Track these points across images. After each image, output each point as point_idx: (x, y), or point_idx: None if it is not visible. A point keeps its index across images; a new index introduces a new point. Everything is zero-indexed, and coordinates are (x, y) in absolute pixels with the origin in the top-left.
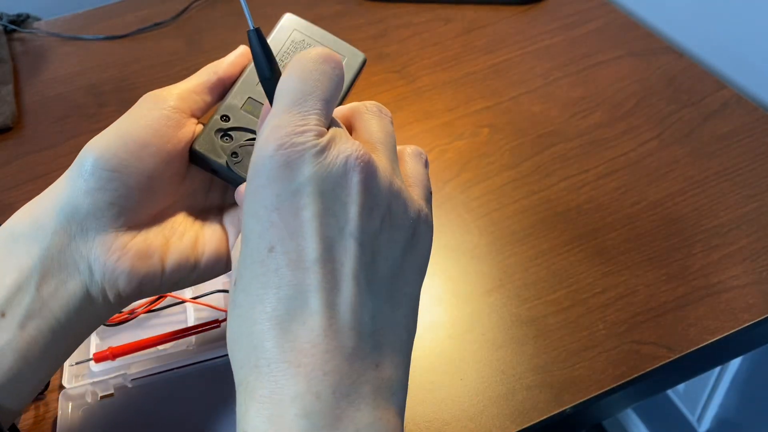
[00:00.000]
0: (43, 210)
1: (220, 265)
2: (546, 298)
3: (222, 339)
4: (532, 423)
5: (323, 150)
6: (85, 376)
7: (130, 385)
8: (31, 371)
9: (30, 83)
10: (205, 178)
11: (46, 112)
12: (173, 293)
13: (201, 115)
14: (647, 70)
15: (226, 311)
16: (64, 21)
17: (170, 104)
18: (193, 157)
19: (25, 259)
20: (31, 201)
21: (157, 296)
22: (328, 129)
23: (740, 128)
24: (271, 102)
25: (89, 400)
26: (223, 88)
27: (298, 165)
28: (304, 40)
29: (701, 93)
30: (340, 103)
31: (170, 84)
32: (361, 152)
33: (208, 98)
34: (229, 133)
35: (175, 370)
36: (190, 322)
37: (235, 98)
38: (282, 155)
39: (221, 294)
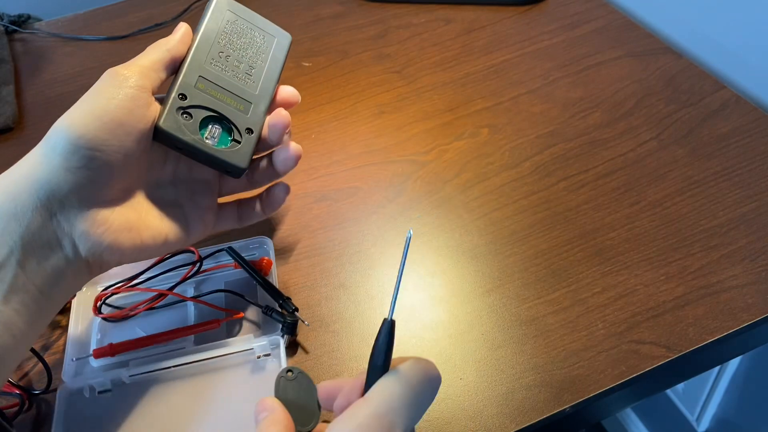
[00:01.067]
0: (18, 187)
1: (183, 240)
2: (545, 298)
3: (220, 339)
4: (531, 422)
5: None
6: (84, 372)
7: (127, 382)
8: (16, 341)
9: (31, 84)
10: (161, 152)
11: (47, 112)
12: (174, 292)
13: (157, 91)
14: (646, 71)
15: (225, 311)
16: (65, 21)
17: (134, 82)
18: (159, 134)
19: (4, 237)
20: None
21: (158, 294)
22: None
23: (739, 128)
24: (368, 385)
25: (87, 395)
26: (174, 66)
27: None
28: (237, 21)
29: (700, 93)
30: (276, 86)
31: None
32: None
33: (163, 75)
34: (188, 111)
35: (173, 369)
36: (190, 321)
37: (187, 77)
38: None
39: (221, 294)
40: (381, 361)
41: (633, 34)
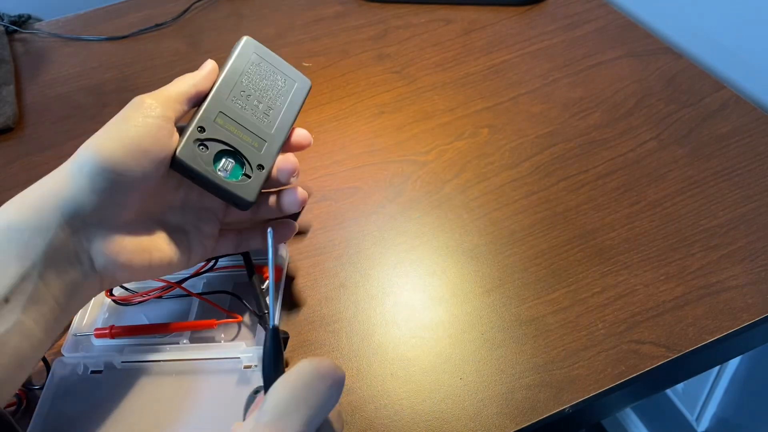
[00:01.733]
0: (44, 203)
1: (185, 263)
2: (545, 298)
3: (215, 340)
4: (531, 422)
5: None
6: (82, 349)
7: (118, 367)
8: (34, 349)
9: (31, 84)
10: (175, 179)
11: (47, 112)
12: (183, 286)
13: (178, 122)
14: (646, 71)
15: (226, 312)
16: (66, 22)
17: (159, 112)
18: (175, 163)
19: (28, 250)
20: (25, 193)
21: (167, 285)
22: None
23: (739, 128)
24: (265, 396)
25: (80, 372)
26: (197, 99)
27: None
28: (261, 63)
29: (700, 93)
30: (291, 128)
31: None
32: None
33: (186, 107)
34: (205, 143)
35: (163, 363)
36: (193, 316)
37: (208, 111)
38: None
39: (226, 295)
40: (270, 369)
41: (633, 34)
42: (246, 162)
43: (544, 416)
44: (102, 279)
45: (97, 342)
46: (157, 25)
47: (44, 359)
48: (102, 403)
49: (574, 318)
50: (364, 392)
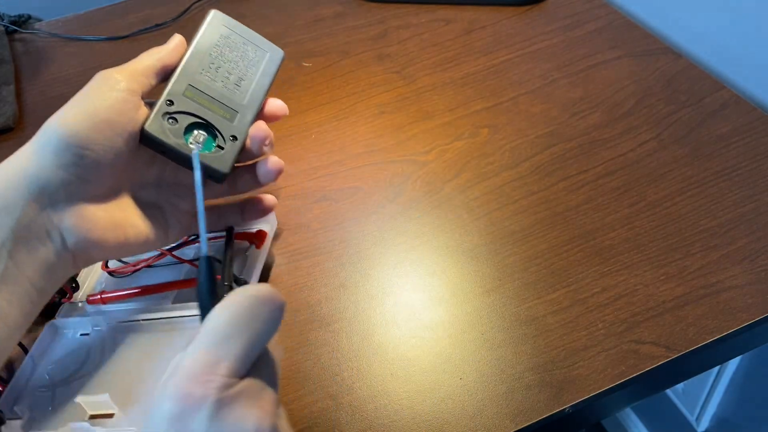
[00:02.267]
0: (10, 181)
1: (162, 240)
2: (545, 298)
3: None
4: (531, 422)
5: (221, 406)
6: (75, 314)
7: (104, 329)
8: (10, 331)
9: (31, 83)
10: (148, 155)
11: (47, 112)
12: (174, 253)
13: (146, 96)
14: (646, 71)
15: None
16: (66, 22)
17: (125, 86)
18: (144, 137)
19: None
20: None
21: (159, 253)
22: (243, 378)
23: (739, 129)
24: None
25: (69, 335)
26: (165, 73)
27: (191, 420)
28: (230, 35)
29: (700, 94)
30: (264, 98)
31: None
32: (265, 425)
33: (153, 81)
34: (174, 116)
35: (145, 322)
36: None
37: (176, 84)
38: (177, 405)
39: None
40: (206, 300)
41: (633, 35)
42: (218, 134)
43: (544, 416)
44: (75, 256)
45: (90, 308)
46: (157, 25)
47: (22, 346)
48: (87, 362)
49: (574, 318)
50: (364, 392)
